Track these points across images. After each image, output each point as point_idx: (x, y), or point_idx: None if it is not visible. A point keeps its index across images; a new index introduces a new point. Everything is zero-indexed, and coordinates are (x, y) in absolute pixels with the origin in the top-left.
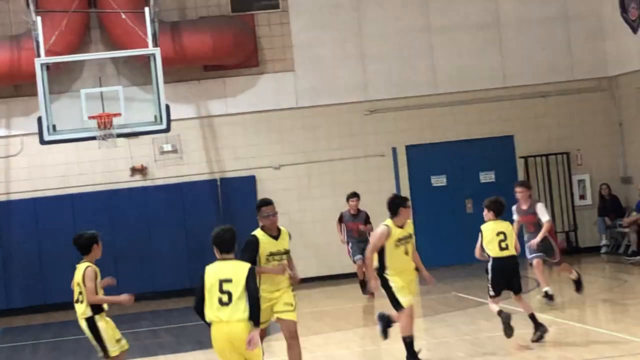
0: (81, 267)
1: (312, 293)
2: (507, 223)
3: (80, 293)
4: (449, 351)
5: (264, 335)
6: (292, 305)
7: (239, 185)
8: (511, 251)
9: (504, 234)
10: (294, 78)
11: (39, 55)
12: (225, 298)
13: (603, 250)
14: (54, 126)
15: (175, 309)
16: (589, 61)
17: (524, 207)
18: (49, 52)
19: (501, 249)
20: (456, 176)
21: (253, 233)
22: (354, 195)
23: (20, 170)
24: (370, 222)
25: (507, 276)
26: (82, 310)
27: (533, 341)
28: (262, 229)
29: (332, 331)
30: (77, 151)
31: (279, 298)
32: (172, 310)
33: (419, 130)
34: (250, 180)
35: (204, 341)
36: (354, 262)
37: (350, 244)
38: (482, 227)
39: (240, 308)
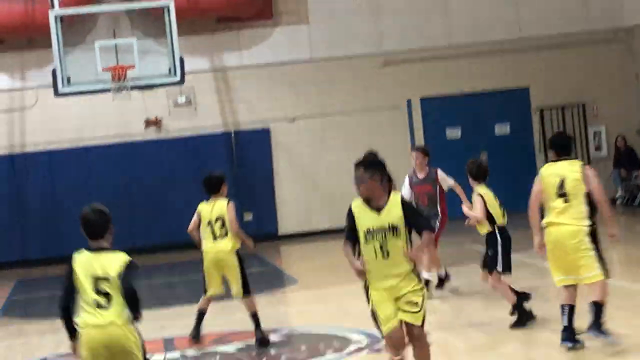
0: (220, 203)
1: (327, 245)
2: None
3: (223, 226)
4: (462, 303)
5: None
6: (417, 304)
7: (254, 138)
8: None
9: (497, 199)
10: (308, 30)
11: (53, 7)
12: (102, 300)
13: (618, 202)
14: (68, 78)
15: (191, 261)
16: (606, 11)
17: (421, 175)
18: (62, 4)
19: (503, 215)
20: (471, 129)
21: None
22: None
23: (35, 123)
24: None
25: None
26: (231, 244)
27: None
28: None
29: (348, 283)
30: (91, 104)
31: (399, 291)
32: (188, 263)
33: (434, 82)
34: (265, 133)
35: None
36: None
37: None
38: (479, 191)
39: (121, 310)
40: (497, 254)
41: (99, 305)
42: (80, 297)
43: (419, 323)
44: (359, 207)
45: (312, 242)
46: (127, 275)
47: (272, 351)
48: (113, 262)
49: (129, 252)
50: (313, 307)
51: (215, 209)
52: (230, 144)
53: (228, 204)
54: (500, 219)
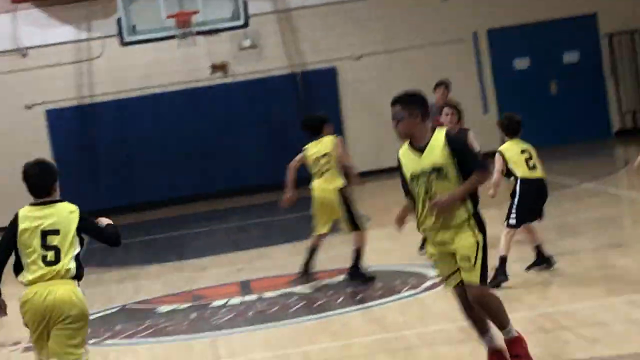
0: (326, 140)
1: (398, 182)
2: (529, 145)
3: (327, 164)
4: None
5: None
6: (469, 259)
7: (319, 78)
8: (540, 172)
9: (529, 152)
10: None
11: None
12: (50, 255)
13: None
14: (133, 27)
15: (262, 204)
16: None
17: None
18: None
19: (530, 168)
20: (539, 58)
21: None
22: (441, 84)
23: (102, 74)
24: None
25: (537, 202)
26: (335, 182)
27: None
28: None
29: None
30: (157, 51)
31: (453, 245)
32: (259, 206)
33: (500, 13)
34: (331, 72)
35: (290, 234)
36: None
37: None
38: (500, 148)
39: (70, 267)
40: (512, 206)
41: (46, 261)
42: (25, 254)
43: (474, 281)
44: (404, 152)
45: (383, 179)
46: (85, 222)
47: (348, 289)
48: (62, 213)
49: (201, 198)
50: (387, 244)
51: (320, 146)
52: (296, 85)
53: (335, 140)
54: (522, 171)
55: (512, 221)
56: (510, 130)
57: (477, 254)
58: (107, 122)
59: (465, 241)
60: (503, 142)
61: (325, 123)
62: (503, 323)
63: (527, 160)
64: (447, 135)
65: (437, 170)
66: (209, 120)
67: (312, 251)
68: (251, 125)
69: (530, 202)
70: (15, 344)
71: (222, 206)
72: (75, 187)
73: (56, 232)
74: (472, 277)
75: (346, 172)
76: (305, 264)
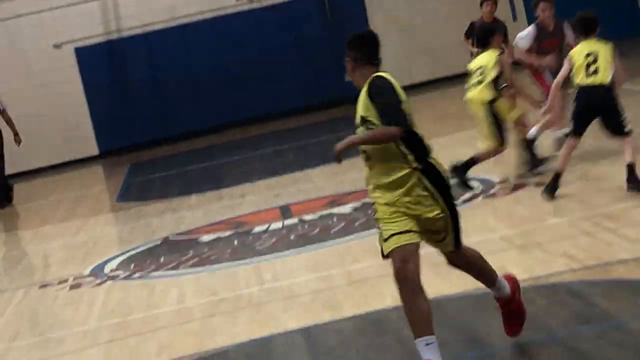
0: (489, 53)
1: (430, 96)
2: (605, 45)
3: (481, 75)
4: None
5: None
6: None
7: None
8: (601, 78)
9: (594, 55)
10: None
11: None
12: None
13: None
14: None
15: (297, 127)
16: None
17: (551, 28)
18: None
19: (588, 74)
20: None
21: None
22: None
23: (129, 7)
24: (507, 37)
25: (593, 111)
26: (482, 95)
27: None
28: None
29: (455, 132)
30: None
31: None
32: (294, 129)
33: None
34: None
35: (326, 156)
36: None
37: None
38: (571, 52)
39: None
40: (571, 114)
41: None
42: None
43: (448, 250)
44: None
45: (418, 94)
46: None
47: None
48: None
49: (234, 126)
50: None
51: (480, 59)
52: (323, 5)
53: (495, 55)
54: (580, 77)
55: (570, 128)
56: (578, 30)
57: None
58: (137, 56)
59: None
60: None
61: (494, 34)
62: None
63: (588, 65)
64: (369, 82)
65: (364, 122)
66: (238, 48)
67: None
68: (280, 50)
69: (585, 110)
70: (62, 282)
71: (256, 133)
72: (109, 124)
73: None
74: (447, 247)
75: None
76: (531, 160)
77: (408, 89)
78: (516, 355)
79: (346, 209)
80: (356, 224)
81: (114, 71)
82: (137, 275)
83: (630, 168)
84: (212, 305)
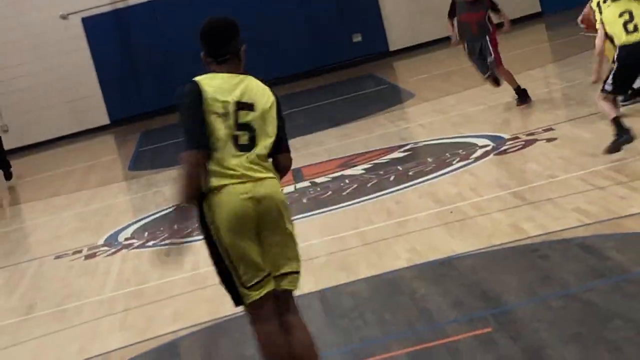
0: None
1: (439, 55)
2: (636, 1)
3: None
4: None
5: None
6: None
7: None
8: None
9: (630, 13)
10: None
11: None
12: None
13: None
14: None
15: (306, 90)
16: None
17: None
18: None
19: (628, 32)
20: None
21: None
22: None
23: None
24: (499, 9)
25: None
26: None
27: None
28: None
29: (463, 90)
30: None
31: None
32: (303, 92)
33: None
34: None
35: (338, 117)
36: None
37: (467, 45)
38: (602, 17)
39: None
40: (611, 72)
41: (238, 146)
42: (216, 135)
43: None
44: None
45: (424, 53)
46: (279, 109)
47: (399, 167)
48: (258, 88)
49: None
50: (433, 118)
51: None
52: None
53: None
54: (618, 37)
55: (608, 87)
56: None
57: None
58: (144, 25)
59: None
60: None
61: None
62: None
63: (625, 24)
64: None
65: None
66: (244, 13)
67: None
68: (286, 13)
69: (629, 69)
70: (76, 252)
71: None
72: (119, 93)
73: None
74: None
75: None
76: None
77: (413, 48)
78: (532, 312)
79: (357, 170)
80: (368, 185)
81: (121, 40)
82: (151, 243)
83: None
84: None
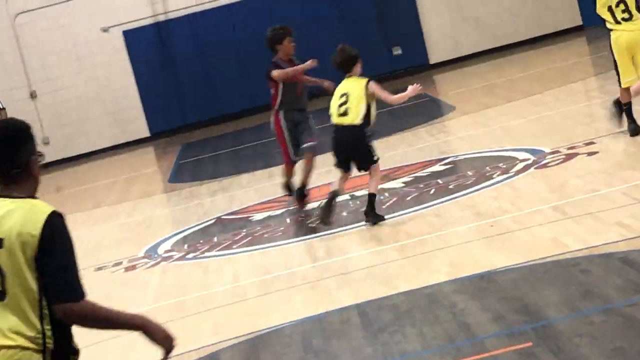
0: None
1: (479, 68)
2: (359, 83)
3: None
4: None
5: None
6: None
7: None
8: (351, 119)
9: (347, 95)
10: None
11: None
12: None
13: None
14: None
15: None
16: None
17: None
18: None
19: (338, 114)
20: None
21: None
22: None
23: None
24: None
25: (344, 149)
26: None
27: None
28: None
29: (504, 102)
30: None
31: None
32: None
33: None
34: None
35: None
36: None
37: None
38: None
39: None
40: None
41: None
42: None
43: None
44: None
45: (464, 67)
46: (47, 242)
47: (439, 181)
48: (19, 218)
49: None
50: (474, 131)
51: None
52: None
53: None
54: (334, 117)
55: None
56: (338, 66)
57: None
58: (184, 37)
59: None
60: None
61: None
62: None
63: (340, 105)
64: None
65: None
66: (292, 21)
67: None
68: (326, 26)
69: (337, 150)
70: (116, 264)
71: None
72: (159, 105)
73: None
74: None
75: None
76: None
77: (454, 61)
78: (573, 326)
79: (398, 183)
80: (408, 198)
81: (162, 53)
82: (190, 255)
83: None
84: (267, 284)
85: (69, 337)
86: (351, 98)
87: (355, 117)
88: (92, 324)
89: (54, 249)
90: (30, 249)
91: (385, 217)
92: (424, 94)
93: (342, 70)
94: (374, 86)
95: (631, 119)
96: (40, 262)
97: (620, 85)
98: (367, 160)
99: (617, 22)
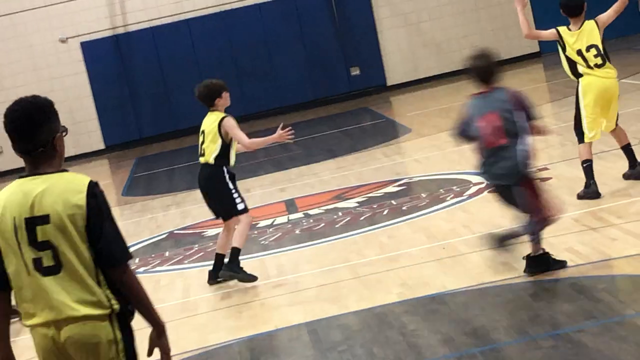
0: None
1: (436, 91)
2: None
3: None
4: None
5: None
6: None
7: None
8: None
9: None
10: None
11: None
12: (47, 260)
13: None
14: None
15: (303, 122)
16: None
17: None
18: None
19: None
20: None
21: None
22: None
23: (135, 1)
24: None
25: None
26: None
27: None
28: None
29: None
30: None
31: None
32: (300, 123)
33: None
34: None
35: (334, 149)
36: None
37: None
38: None
39: (81, 279)
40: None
41: (41, 270)
42: (12, 265)
43: None
44: None
45: (421, 89)
46: (94, 211)
47: (393, 202)
48: (60, 192)
49: (240, 120)
50: (429, 153)
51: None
52: (329, 0)
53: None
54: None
55: None
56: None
57: None
58: (143, 51)
59: None
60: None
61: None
62: None
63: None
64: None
65: None
66: (244, 42)
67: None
68: (286, 45)
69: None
70: None
71: (261, 127)
72: (116, 118)
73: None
74: None
75: None
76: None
77: (413, 83)
78: (521, 351)
79: (351, 203)
80: (361, 218)
81: (120, 65)
82: (142, 269)
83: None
84: (217, 300)
85: (124, 299)
86: (206, 135)
87: (208, 156)
88: (133, 293)
89: (101, 215)
90: (80, 220)
91: (338, 236)
92: (294, 143)
93: (205, 104)
94: (227, 124)
95: (592, 180)
96: (90, 231)
97: (581, 141)
98: (227, 209)
99: (590, 68)
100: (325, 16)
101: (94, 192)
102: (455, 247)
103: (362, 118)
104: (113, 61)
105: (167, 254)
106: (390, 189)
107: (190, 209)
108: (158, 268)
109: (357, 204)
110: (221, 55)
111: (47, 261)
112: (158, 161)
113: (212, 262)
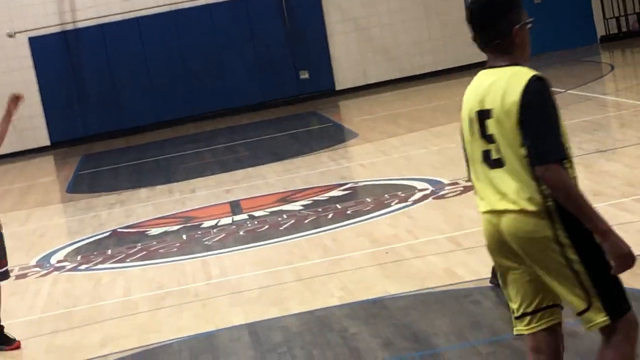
0: None
1: (385, 97)
2: None
3: None
4: None
5: None
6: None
7: None
8: None
9: None
10: None
11: None
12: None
13: None
14: None
15: (250, 123)
16: None
17: None
18: None
19: None
20: None
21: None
22: None
23: None
24: None
25: None
26: None
27: None
28: None
29: (407, 132)
30: None
31: None
32: (247, 125)
33: None
34: None
35: (277, 153)
36: None
37: None
38: None
39: None
40: None
41: (489, 162)
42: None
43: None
44: None
45: (370, 94)
46: (524, 108)
47: (338, 206)
48: (501, 87)
49: (187, 121)
50: (375, 159)
51: None
52: (280, 3)
53: None
54: None
55: None
56: None
57: None
58: (92, 48)
59: None
60: None
61: None
62: None
63: None
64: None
65: None
66: (193, 42)
67: None
68: (236, 46)
69: None
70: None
71: (209, 128)
72: (61, 115)
73: None
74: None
75: None
76: None
77: (363, 88)
78: (461, 356)
79: (296, 206)
80: (305, 221)
81: (67, 62)
82: (83, 266)
83: None
84: (158, 299)
85: None
86: None
87: None
88: (558, 193)
89: (531, 112)
90: (513, 115)
91: (282, 239)
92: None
93: None
94: None
95: None
96: (522, 127)
97: None
98: None
99: None
100: (276, 19)
101: (530, 87)
102: (398, 252)
103: (309, 122)
104: (61, 57)
105: (109, 252)
106: (336, 192)
107: (134, 207)
108: (100, 266)
109: (302, 207)
110: (170, 54)
111: (494, 154)
112: (103, 159)
113: (155, 260)
